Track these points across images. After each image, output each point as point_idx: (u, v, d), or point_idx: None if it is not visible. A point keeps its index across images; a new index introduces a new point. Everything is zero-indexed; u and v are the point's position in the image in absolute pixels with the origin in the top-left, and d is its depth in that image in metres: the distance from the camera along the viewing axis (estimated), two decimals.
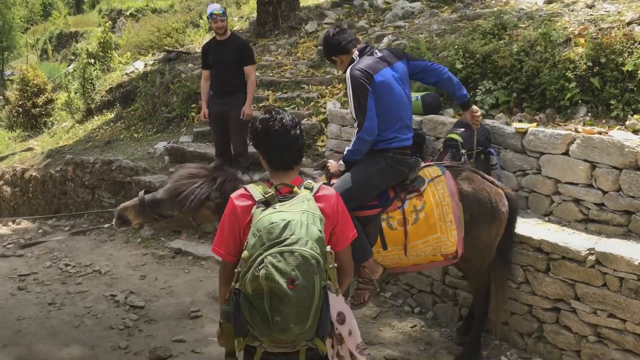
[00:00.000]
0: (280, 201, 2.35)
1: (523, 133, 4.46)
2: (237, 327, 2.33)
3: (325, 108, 7.65)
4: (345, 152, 3.71)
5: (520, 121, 4.71)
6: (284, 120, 2.50)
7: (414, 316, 4.85)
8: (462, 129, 4.60)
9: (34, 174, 9.96)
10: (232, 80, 6.32)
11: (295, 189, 2.43)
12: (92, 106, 12.31)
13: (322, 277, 2.26)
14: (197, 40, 14.29)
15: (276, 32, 10.82)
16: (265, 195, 2.36)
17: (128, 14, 26.79)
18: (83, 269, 6.47)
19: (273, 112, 2.55)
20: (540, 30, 5.23)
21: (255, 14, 12.45)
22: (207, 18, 6.68)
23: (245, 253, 2.26)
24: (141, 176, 7.72)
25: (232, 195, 2.48)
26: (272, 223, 2.23)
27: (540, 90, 4.80)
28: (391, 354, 4.29)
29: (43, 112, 15.66)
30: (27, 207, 10.18)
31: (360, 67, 3.59)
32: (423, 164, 3.90)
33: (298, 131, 2.54)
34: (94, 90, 12.49)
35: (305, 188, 2.46)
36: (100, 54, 14.16)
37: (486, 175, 3.96)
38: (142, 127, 10.08)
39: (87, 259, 6.74)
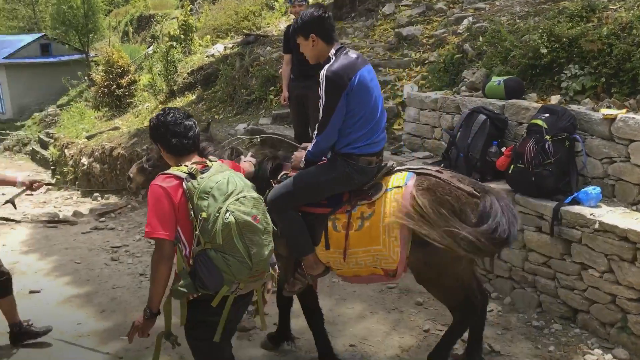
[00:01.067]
0: (202, 172, 2.76)
1: (611, 119, 4.36)
2: (213, 282, 2.68)
3: (402, 91, 7.68)
4: (306, 152, 3.64)
5: (608, 107, 4.60)
6: (176, 115, 2.95)
7: (491, 301, 4.86)
8: (547, 115, 4.55)
9: (121, 152, 10.52)
10: (312, 64, 6.42)
11: (208, 162, 2.89)
12: (175, 88, 12.80)
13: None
14: (274, 24, 14.52)
15: (353, 15, 10.86)
16: (191, 170, 2.76)
17: None
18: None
19: (166, 109, 3.01)
20: (634, 11, 5.05)
21: None
22: (287, 2, 6.81)
23: (203, 214, 2.62)
24: None
25: (156, 182, 2.78)
26: (218, 182, 2.70)
27: (632, 75, 4.65)
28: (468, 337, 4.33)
29: (127, 93, 16.43)
30: (114, 183, 10.79)
31: (337, 67, 3.39)
32: (398, 168, 3.63)
33: (191, 122, 2.97)
34: (176, 72, 12.97)
35: (210, 161, 2.92)
36: (182, 36, 14.64)
37: (462, 184, 3.43)
38: (222, 108, 10.42)
39: None
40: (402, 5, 10.29)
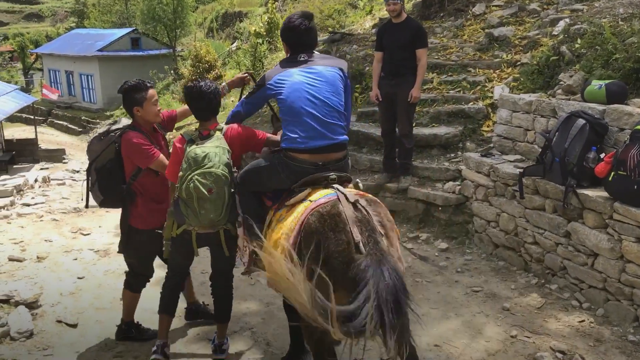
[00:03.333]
0: (203, 139, 3.60)
1: None
2: (178, 217, 3.67)
3: (492, 92, 7.54)
4: None
5: None
6: (202, 87, 3.70)
7: (582, 311, 4.71)
8: None
9: None
10: (404, 62, 6.44)
11: (212, 131, 3.64)
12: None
13: (230, 187, 3.53)
14: (358, 22, 14.56)
15: (441, 15, 10.73)
16: (192, 136, 3.65)
17: None
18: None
19: (194, 81, 3.83)
20: None
21: None
22: (383, 0, 6.84)
23: (180, 173, 3.52)
24: None
25: (175, 141, 3.73)
26: (196, 154, 3.48)
27: None
28: (557, 346, 4.22)
29: None
30: None
31: (268, 72, 3.70)
32: (335, 176, 3.36)
33: (212, 95, 3.70)
34: (263, 68, 13.25)
35: (218, 130, 3.67)
36: (266, 33, 14.94)
37: (357, 228, 2.90)
38: None
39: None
40: (493, 6, 10.06)
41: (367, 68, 9.16)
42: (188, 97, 3.78)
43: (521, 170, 5.29)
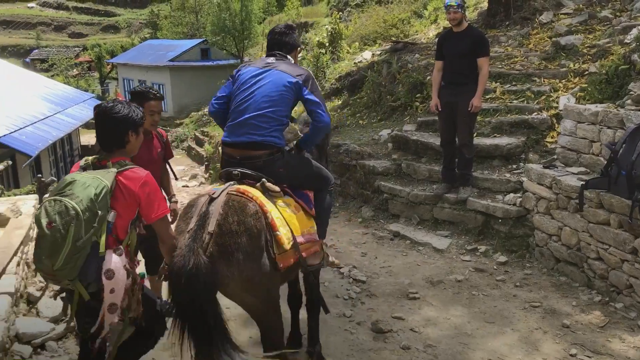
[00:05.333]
0: (95, 169, 2.89)
1: None
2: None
3: (557, 102, 7.32)
4: None
5: None
6: (109, 109, 2.97)
7: None
8: None
9: None
10: (465, 71, 6.35)
11: (109, 163, 2.91)
12: (322, 93, 13.21)
13: (88, 230, 2.68)
14: (422, 31, 14.48)
15: (507, 23, 10.51)
16: (83, 163, 2.93)
17: (354, 4, 27.99)
18: None
19: (110, 101, 3.08)
20: None
21: (484, 4, 12.24)
22: (444, 8, 6.78)
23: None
24: (366, 160, 8.16)
25: (72, 167, 3.06)
26: (64, 179, 2.81)
27: None
28: None
29: None
30: None
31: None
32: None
33: (118, 122, 2.95)
34: (325, 78, 13.37)
35: (119, 165, 2.91)
36: (327, 44, 15.07)
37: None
38: (367, 114, 10.59)
39: None
40: (561, 14, 9.76)
41: (428, 77, 9.09)
42: (94, 117, 3.14)
43: (583, 182, 5.10)
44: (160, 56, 34.73)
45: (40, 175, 16.67)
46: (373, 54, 13.01)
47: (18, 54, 58.16)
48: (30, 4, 69.03)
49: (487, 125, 7.50)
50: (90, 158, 2.96)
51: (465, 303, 5.18)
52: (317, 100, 3.60)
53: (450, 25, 6.64)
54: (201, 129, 24.36)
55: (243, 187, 3.28)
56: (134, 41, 52.71)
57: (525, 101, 7.72)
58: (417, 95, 9.07)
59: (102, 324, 2.86)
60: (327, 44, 14.59)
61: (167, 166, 4.76)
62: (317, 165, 3.90)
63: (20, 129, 15.32)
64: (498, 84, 8.34)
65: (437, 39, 8.22)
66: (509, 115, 7.55)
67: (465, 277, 5.69)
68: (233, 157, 3.54)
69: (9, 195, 8.52)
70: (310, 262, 3.61)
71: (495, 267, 5.89)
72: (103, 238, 2.76)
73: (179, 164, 21.82)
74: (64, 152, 22.66)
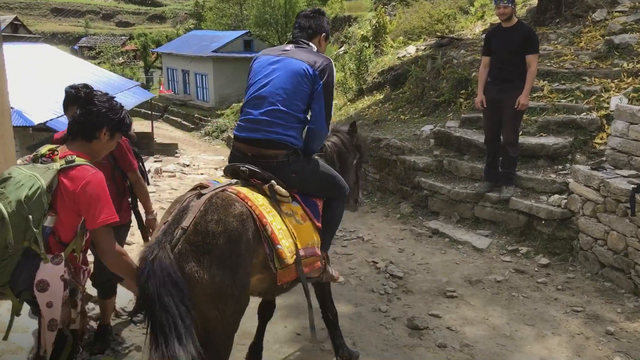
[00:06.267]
0: (42, 163, 2.58)
1: None
2: None
3: (608, 103, 7.09)
4: None
5: None
6: (89, 94, 2.82)
7: None
8: None
9: None
10: (512, 68, 6.20)
11: (56, 157, 2.60)
12: (364, 87, 13.14)
13: (17, 235, 2.42)
14: (468, 27, 14.24)
15: (557, 20, 10.23)
16: (33, 155, 2.63)
17: None
18: (348, 234, 7.06)
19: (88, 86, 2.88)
20: None
21: (533, 1, 11.95)
22: (493, 3, 6.63)
23: None
24: (406, 156, 8.07)
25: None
26: (2, 173, 2.55)
27: None
28: None
29: None
30: None
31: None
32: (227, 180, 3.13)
33: (98, 111, 2.70)
34: (367, 71, 13.29)
35: (65, 161, 2.58)
36: (371, 38, 14.97)
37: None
38: (409, 109, 10.48)
39: (351, 226, 7.32)
40: (615, 12, 9.45)
41: (474, 73, 8.92)
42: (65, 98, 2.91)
43: (635, 186, 4.92)
44: (204, 47, 35.15)
45: None
46: (417, 49, 12.86)
47: (67, 41, 59.76)
48: None
49: (533, 124, 7.32)
50: (45, 149, 2.67)
51: (505, 304, 5.07)
52: (323, 101, 3.20)
53: (499, 20, 6.49)
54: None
55: (245, 190, 2.96)
56: (178, 31, 53.56)
57: (574, 101, 7.50)
58: (462, 92, 8.92)
59: (42, 342, 2.60)
60: (370, 38, 14.49)
61: (140, 174, 4.09)
62: (333, 173, 3.53)
63: None
64: (546, 82, 8.13)
65: (484, 34, 8.06)
66: (556, 114, 7.35)
67: (505, 278, 5.57)
68: (244, 153, 3.21)
69: None
70: (310, 276, 3.32)
71: (536, 269, 5.75)
72: (41, 244, 2.50)
73: (219, 154, 22.10)
74: None
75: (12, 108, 14.11)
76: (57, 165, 2.56)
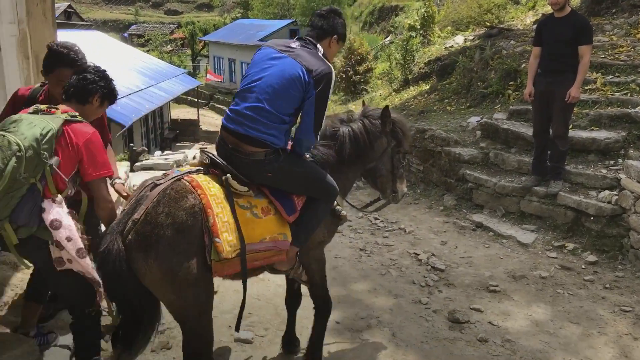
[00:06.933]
0: (43, 114, 2.83)
1: None
2: None
3: None
4: None
5: None
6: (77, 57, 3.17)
7: None
8: None
9: None
10: (564, 59, 6.02)
11: (58, 111, 2.86)
12: (410, 77, 13.00)
13: (28, 169, 2.63)
14: (519, 17, 13.88)
15: (613, 11, 9.87)
16: (32, 110, 2.88)
17: None
18: (390, 225, 7.03)
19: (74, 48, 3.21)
20: None
21: None
22: None
23: None
24: (451, 147, 7.96)
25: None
26: (10, 118, 2.78)
27: None
28: None
29: (362, 80, 17.13)
30: None
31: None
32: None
33: (86, 75, 3.00)
34: (413, 61, 13.13)
35: (70, 115, 2.86)
36: (418, 27, 14.77)
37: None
38: (455, 100, 10.31)
39: (393, 217, 7.28)
40: None
41: (523, 64, 8.70)
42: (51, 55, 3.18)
43: None
44: (250, 35, 35.42)
45: (132, 144, 17.52)
46: (465, 39, 12.63)
47: (117, 28, 61.11)
48: None
49: (584, 118, 7.10)
50: (41, 106, 2.92)
51: (549, 300, 4.96)
52: (313, 112, 3.07)
53: (551, 10, 6.30)
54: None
55: (201, 179, 2.98)
56: (225, 20, 54.07)
57: (629, 94, 7.24)
58: (510, 83, 8.72)
59: (84, 271, 2.83)
60: (418, 27, 14.30)
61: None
62: (318, 176, 3.29)
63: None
64: (599, 74, 7.86)
65: (534, 25, 7.84)
66: (609, 108, 7.11)
67: (550, 274, 5.45)
68: (226, 143, 3.15)
69: None
70: (276, 268, 3.33)
71: (583, 267, 5.60)
72: (50, 182, 2.74)
73: None
74: (155, 124, 23.64)
75: None
76: (63, 116, 2.83)
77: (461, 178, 7.56)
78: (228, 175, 3.02)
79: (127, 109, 16.66)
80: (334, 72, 3.16)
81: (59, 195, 2.78)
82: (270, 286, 5.01)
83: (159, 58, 31.99)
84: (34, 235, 2.71)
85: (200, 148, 3.23)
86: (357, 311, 4.77)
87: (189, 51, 50.42)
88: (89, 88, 2.99)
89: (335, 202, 3.47)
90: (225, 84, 37.60)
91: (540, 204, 6.46)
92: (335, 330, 4.44)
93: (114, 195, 3.23)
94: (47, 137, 2.70)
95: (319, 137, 3.34)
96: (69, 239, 2.72)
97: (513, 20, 13.74)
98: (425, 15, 14.49)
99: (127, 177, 9.68)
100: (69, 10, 41.13)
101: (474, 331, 4.44)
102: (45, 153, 2.68)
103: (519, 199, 6.68)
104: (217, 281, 4.61)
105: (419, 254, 6.00)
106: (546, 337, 4.36)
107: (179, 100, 29.37)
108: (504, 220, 6.75)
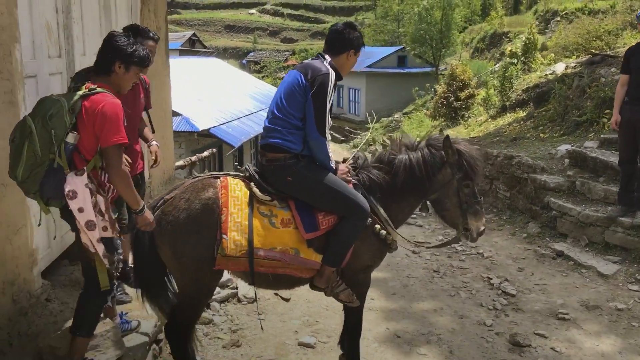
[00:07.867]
0: (75, 90, 2.96)
1: None
2: None
3: None
4: None
5: None
6: (110, 35, 3.08)
7: None
8: None
9: None
10: None
11: (82, 87, 2.95)
12: (507, 103, 12.86)
13: (43, 147, 2.80)
14: (631, 44, 13.29)
15: None
16: (71, 85, 3.12)
17: (563, 14, 26.42)
18: (468, 249, 7.10)
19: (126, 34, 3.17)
20: None
21: None
22: (636, 19, 6.31)
23: None
24: (537, 174, 7.87)
25: None
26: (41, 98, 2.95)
27: None
28: None
29: (463, 106, 17.09)
30: None
31: None
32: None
33: (106, 47, 3.02)
34: (512, 88, 12.99)
35: (88, 89, 2.93)
36: (520, 54, 14.55)
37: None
38: (550, 128, 10.12)
39: (473, 243, 7.32)
40: None
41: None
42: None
43: None
44: (358, 62, 35.67)
45: (236, 163, 18.59)
46: (567, 66, 12.32)
47: (237, 55, 64.54)
48: (251, 11, 76.12)
49: None
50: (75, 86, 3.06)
51: (621, 333, 4.85)
52: (312, 113, 3.30)
53: None
54: (389, 134, 24.99)
55: (231, 181, 3.34)
56: None
57: None
58: (606, 111, 8.46)
59: (88, 243, 2.97)
60: (519, 54, 14.11)
61: (147, 115, 4.42)
62: (341, 189, 3.35)
63: (228, 122, 17.29)
64: None
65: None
66: None
67: (627, 307, 5.30)
68: (259, 157, 3.53)
69: None
70: (314, 284, 3.49)
71: None
72: (63, 158, 2.86)
73: None
74: None
75: (180, 115, 15.82)
76: (81, 92, 2.93)
77: (546, 206, 7.46)
78: (252, 183, 3.39)
79: (237, 131, 17.72)
80: (331, 74, 3.38)
81: (83, 169, 2.92)
82: None
83: (271, 84, 33.57)
84: (65, 205, 2.92)
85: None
86: (419, 327, 4.95)
87: None
88: (108, 58, 3.03)
89: (381, 227, 3.49)
90: (333, 109, 38.49)
91: (626, 235, 6.26)
92: (394, 342, 4.65)
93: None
94: (57, 115, 2.83)
95: (375, 160, 3.65)
96: (80, 210, 2.89)
97: (624, 47, 13.18)
98: (528, 42, 14.27)
99: None
100: (193, 38, 44.32)
101: (533, 355, 4.48)
102: (54, 132, 2.81)
103: (604, 229, 6.51)
104: (290, 290, 5.03)
105: (492, 278, 6.05)
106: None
107: None
108: (586, 250, 6.60)
